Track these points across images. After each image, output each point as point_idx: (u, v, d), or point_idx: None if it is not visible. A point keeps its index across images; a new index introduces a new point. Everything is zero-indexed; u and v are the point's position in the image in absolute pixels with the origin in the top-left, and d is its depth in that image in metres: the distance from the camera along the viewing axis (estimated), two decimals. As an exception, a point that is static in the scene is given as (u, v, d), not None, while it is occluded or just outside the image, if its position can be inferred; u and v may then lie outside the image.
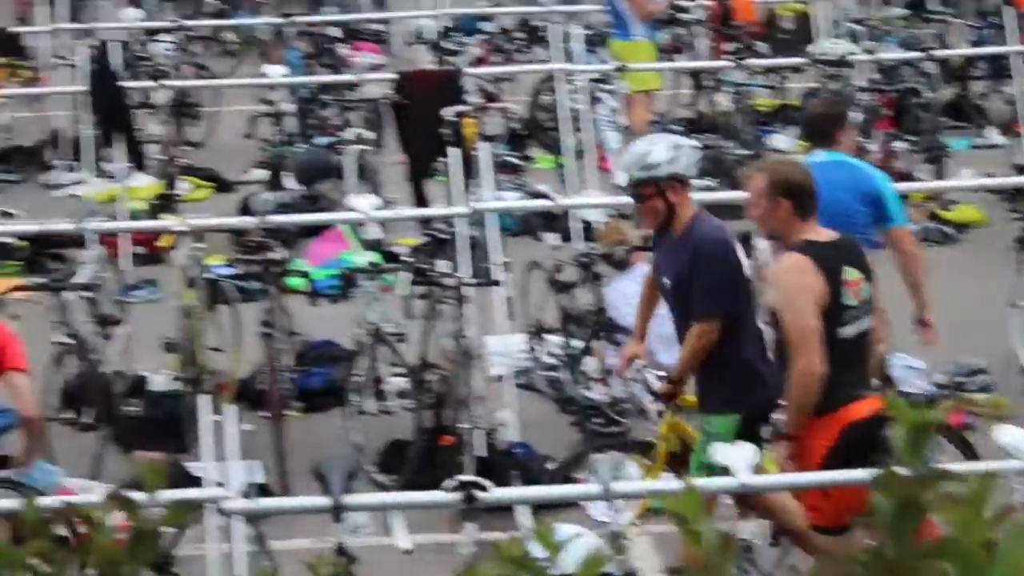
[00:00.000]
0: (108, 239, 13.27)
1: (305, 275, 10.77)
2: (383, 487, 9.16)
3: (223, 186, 16.11)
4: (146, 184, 16.08)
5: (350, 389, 9.95)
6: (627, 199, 8.21)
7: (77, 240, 11.36)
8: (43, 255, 12.52)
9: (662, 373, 7.79)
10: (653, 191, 7.56)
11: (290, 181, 14.96)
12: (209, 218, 12.35)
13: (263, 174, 15.55)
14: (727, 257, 7.59)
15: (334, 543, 6.60)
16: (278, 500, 7.24)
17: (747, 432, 7.17)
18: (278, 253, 10.61)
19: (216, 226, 12.27)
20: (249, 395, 10.48)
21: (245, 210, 13.69)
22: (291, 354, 10.66)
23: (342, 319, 10.95)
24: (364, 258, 10.82)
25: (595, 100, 14.63)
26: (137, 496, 2.21)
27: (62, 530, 2.27)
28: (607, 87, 14.77)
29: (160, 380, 10.85)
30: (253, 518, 6.54)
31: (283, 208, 13.64)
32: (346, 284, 10.28)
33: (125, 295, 11.73)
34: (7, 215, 15.11)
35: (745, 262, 7.76)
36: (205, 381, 10.07)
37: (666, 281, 7.66)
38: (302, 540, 7.77)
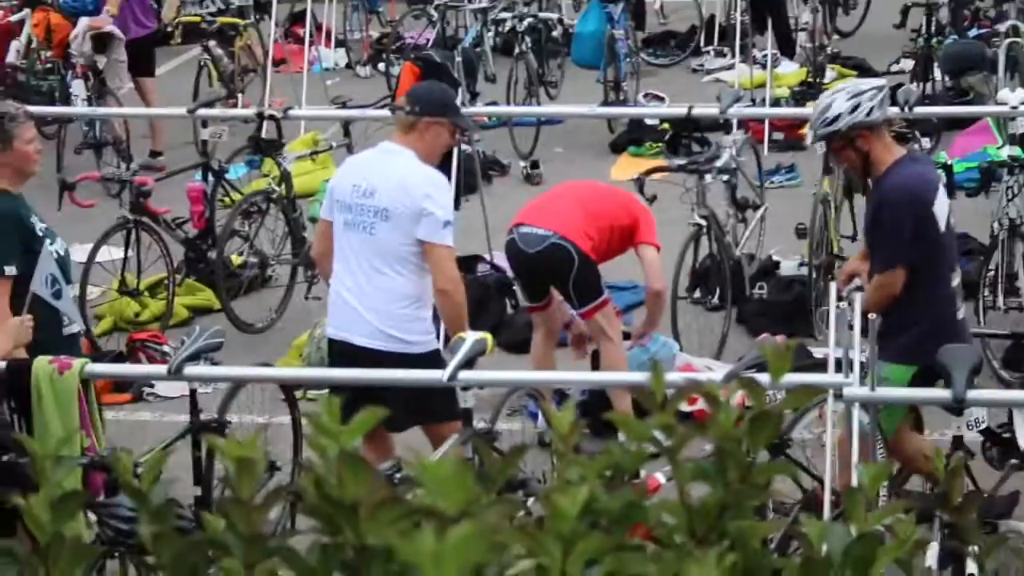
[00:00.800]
0: (751, 124, 13.49)
1: (946, 167, 10.60)
2: (1007, 383, 9.00)
3: (868, 75, 16.00)
4: (793, 71, 16.21)
5: (982, 284, 9.79)
6: None
7: (720, 124, 11.61)
8: (686, 138, 12.83)
9: None
10: (841, 144, 7.24)
11: (938, 72, 14.74)
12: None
13: (911, 64, 15.39)
14: (910, 205, 7.07)
15: (951, 436, 6.60)
16: (897, 390, 7.22)
17: (922, 386, 6.71)
18: (920, 144, 10.50)
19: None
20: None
21: (891, 100, 13.56)
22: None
23: (979, 214, 10.76)
24: (1007, 152, 10.56)
25: None
26: (761, 378, 2.31)
27: (683, 405, 2.39)
28: None
29: (790, 265, 11.02)
30: (873, 405, 6.57)
31: (929, 99, 13.46)
32: (986, 178, 10.06)
33: (763, 179, 11.90)
34: (656, 98, 15.61)
35: (942, 212, 7.18)
36: (834, 267, 10.14)
37: None
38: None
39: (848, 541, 2.16)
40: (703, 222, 9.93)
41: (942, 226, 7.24)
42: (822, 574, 2.14)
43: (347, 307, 7.25)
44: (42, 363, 6.53)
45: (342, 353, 7.28)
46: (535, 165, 14.27)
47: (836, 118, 7.26)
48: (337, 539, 2.13)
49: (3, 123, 7.08)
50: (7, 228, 6.97)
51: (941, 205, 7.29)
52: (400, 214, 7.16)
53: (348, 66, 18.08)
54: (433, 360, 6.94)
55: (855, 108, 7.23)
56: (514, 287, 9.88)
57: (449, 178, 10.35)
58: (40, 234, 7.05)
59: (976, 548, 2.46)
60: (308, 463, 2.21)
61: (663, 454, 2.28)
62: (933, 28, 15.21)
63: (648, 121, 14.77)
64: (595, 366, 8.78)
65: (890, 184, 7.20)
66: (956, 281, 7.33)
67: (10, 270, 6.90)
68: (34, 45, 14.62)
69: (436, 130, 7.31)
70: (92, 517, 5.87)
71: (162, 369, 6.74)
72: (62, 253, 7.17)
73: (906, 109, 10.26)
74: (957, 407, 6.26)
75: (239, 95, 15.20)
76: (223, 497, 2.24)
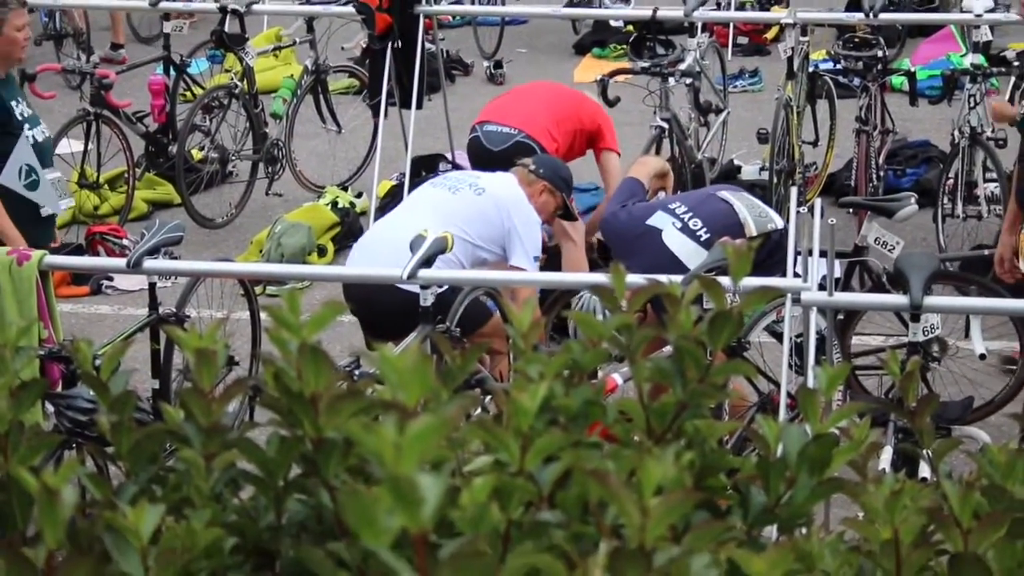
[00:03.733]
0: (716, 28, 13.45)
1: (908, 74, 10.61)
2: (963, 292, 9.05)
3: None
4: (758, -25, 16.14)
5: (941, 191, 9.82)
6: None
7: (685, 27, 11.57)
8: (650, 40, 12.79)
9: None
10: None
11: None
12: (817, 11, 12.33)
13: (876, -30, 15.35)
14: None
15: (906, 342, 6.64)
16: (854, 295, 7.25)
17: None
18: (883, 51, 10.49)
19: (823, 19, 12.25)
20: (837, 189, 10.51)
21: (855, 6, 13.54)
22: (883, 152, 10.58)
23: (941, 121, 10.78)
24: (970, 60, 10.56)
25: None
26: (722, 280, 2.32)
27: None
28: None
29: (751, 169, 11.04)
30: (829, 310, 6.60)
31: (894, 6, 13.44)
32: (949, 86, 10.07)
33: (727, 84, 11.87)
34: (622, 0, 15.53)
35: None
36: (796, 173, 10.16)
37: None
38: (874, 338, 7.80)
39: (804, 442, 2.18)
40: (665, 125, 9.91)
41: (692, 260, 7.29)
42: (778, 474, 2.16)
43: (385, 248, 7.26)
44: (0, 253, 6.51)
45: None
46: (498, 65, 14.21)
47: None
48: (296, 432, 2.14)
49: None
50: None
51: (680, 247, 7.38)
52: (493, 204, 7.42)
53: (312, -39, 17.90)
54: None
55: None
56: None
57: (412, 77, 10.36)
58: (20, 118, 7.01)
59: (929, 452, 2.48)
60: (268, 356, 2.21)
61: (622, 353, 2.30)
62: (900, -66, 15.17)
63: (612, 23, 14.71)
64: (555, 266, 8.79)
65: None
66: (749, 225, 7.42)
67: None
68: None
69: (548, 198, 7.74)
70: (50, 408, 5.87)
71: (121, 262, 6.72)
72: (40, 139, 7.13)
73: (871, 15, 10.25)
74: (914, 313, 6.29)
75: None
76: (182, 388, 2.25)
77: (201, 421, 2.21)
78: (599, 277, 6.48)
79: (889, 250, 7.68)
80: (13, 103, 7.02)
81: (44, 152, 7.12)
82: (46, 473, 1.76)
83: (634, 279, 2.42)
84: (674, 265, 7.04)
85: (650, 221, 7.39)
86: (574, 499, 1.94)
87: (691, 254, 7.23)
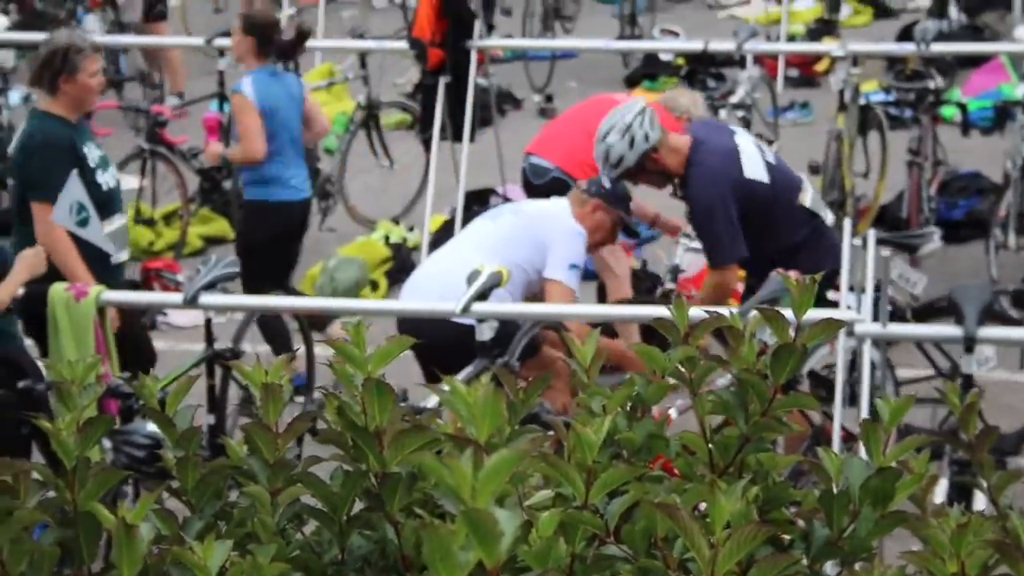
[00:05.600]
0: (766, 60, 13.45)
1: (960, 106, 10.59)
2: (1016, 323, 9.00)
3: (885, 12, 15.96)
4: (808, 7, 16.15)
5: (993, 222, 9.78)
6: None
7: (736, 60, 11.57)
8: (701, 73, 12.79)
9: None
10: (636, 173, 7.45)
11: (955, 10, 14.68)
12: (868, 44, 12.31)
13: (928, 2, 15.32)
14: (725, 190, 7.24)
15: (961, 373, 6.60)
16: (909, 327, 7.23)
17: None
18: (935, 82, 10.47)
19: (875, 52, 12.22)
20: (890, 221, 10.48)
21: (906, 36, 13.53)
22: (935, 183, 10.55)
23: (993, 152, 10.74)
24: (1022, 91, 10.54)
25: None
26: (784, 312, 2.32)
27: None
28: None
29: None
30: (882, 342, 6.58)
31: (945, 37, 13.41)
32: (1001, 117, 10.05)
33: (777, 116, 11.87)
34: (672, 33, 15.56)
35: (756, 164, 7.33)
36: (847, 204, 10.14)
37: None
38: (925, 370, 7.77)
39: (867, 474, 2.18)
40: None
41: (765, 177, 7.31)
42: (841, 507, 2.16)
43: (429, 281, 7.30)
44: (58, 289, 6.56)
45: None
46: (549, 99, 14.24)
47: (621, 159, 7.40)
48: (359, 466, 2.16)
49: (70, 53, 7.11)
50: (60, 156, 6.99)
51: (751, 160, 7.35)
52: (530, 222, 7.41)
53: (364, -2, 18.01)
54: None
55: (632, 142, 7.36)
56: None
57: (464, 112, 10.40)
58: (92, 165, 7.07)
59: (987, 483, 2.47)
60: (330, 390, 2.23)
61: (684, 387, 2.30)
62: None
63: (663, 56, 14.73)
64: (601, 301, 8.78)
65: (694, 180, 7.29)
66: (807, 195, 7.42)
67: None
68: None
69: (603, 216, 7.57)
70: (107, 444, 5.90)
71: (178, 298, 6.77)
72: (113, 184, 7.18)
73: (922, 46, 10.23)
74: (968, 344, 6.27)
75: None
76: (249, 423, 2.26)
77: (267, 456, 2.22)
78: (660, 310, 6.47)
79: (911, 287, 7.65)
80: (85, 148, 7.08)
81: (114, 197, 7.19)
82: (123, 508, 1.77)
83: (696, 312, 2.42)
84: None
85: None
86: (640, 533, 1.95)
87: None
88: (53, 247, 6.76)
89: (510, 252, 7.26)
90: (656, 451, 2.23)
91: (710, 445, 2.23)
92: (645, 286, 8.86)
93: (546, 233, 7.39)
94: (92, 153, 7.11)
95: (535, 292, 7.37)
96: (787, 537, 2.19)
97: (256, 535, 2.22)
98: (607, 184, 7.66)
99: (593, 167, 8.62)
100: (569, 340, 2.39)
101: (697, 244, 7.93)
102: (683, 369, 2.29)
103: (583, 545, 2.00)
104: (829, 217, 7.47)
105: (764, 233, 7.19)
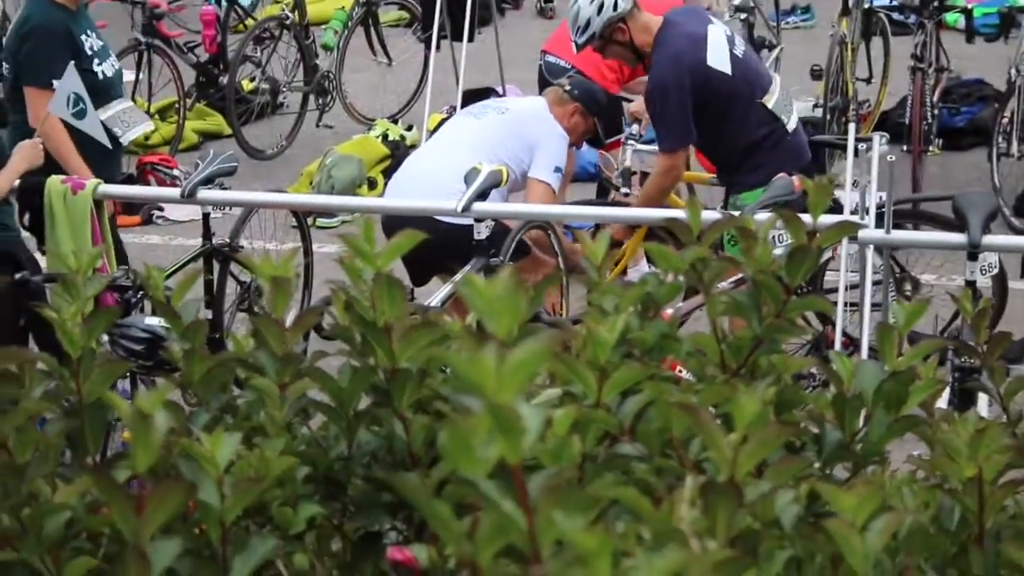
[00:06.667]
0: (769, -38, 13.32)
1: (965, 12, 10.50)
2: (1018, 231, 8.99)
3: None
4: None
5: (996, 130, 9.73)
6: None
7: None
8: (704, -26, 12.68)
9: None
10: (602, 43, 7.36)
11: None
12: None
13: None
14: (684, 75, 7.09)
15: (963, 280, 6.58)
16: (912, 233, 7.20)
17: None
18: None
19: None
20: (891, 127, 10.42)
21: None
22: (938, 90, 10.49)
23: (997, 59, 10.67)
24: (1027, -2, 10.46)
25: None
26: (802, 216, 2.29)
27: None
28: None
29: (805, 106, 10.94)
30: (885, 248, 6.55)
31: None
32: (1005, 24, 9.97)
33: (780, 19, 11.77)
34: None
35: (721, 53, 7.18)
36: (849, 109, 10.08)
37: None
38: (929, 275, 7.75)
39: (881, 378, 2.16)
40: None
41: (727, 68, 7.19)
42: (854, 411, 2.14)
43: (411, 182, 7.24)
44: (55, 182, 6.51)
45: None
46: (549, -1, 14.14)
47: (588, 24, 7.32)
48: (367, 361, 2.13)
49: None
50: (55, 42, 6.91)
51: (716, 49, 7.21)
52: (517, 120, 7.40)
53: None
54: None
55: (600, 8, 7.27)
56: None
57: (464, 10, 10.31)
58: (89, 53, 6.99)
59: (998, 390, 2.45)
60: (339, 285, 2.20)
61: (696, 286, 2.27)
62: None
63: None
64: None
65: (656, 58, 7.20)
66: (771, 97, 7.29)
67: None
68: None
69: (579, 121, 7.66)
70: (103, 337, 5.88)
71: (176, 192, 6.71)
72: (110, 73, 7.10)
73: (928, -49, 10.14)
74: (972, 251, 6.23)
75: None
76: (257, 316, 2.23)
77: (275, 349, 2.20)
78: (675, 212, 6.43)
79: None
80: (83, 36, 7.00)
81: (112, 84, 7.11)
82: (139, 397, 1.75)
83: (709, 215, 2.39)
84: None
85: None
86: (655, 433, 1.92)
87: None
88: (46, 136, 6.69)
89: (496, 150, 7.21)
90: (667, 352, 2.21)
91: (722, 346, 2.20)
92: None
93: (533, 133, 7.36)
94: (90, 42, 7.03)
95: (516, 191, 7.34)
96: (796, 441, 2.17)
97: (262, 429, 2.19)
98: (593, 91, 7.66)
99: (610, 67, 8.56)
100: (581, 237, 2.36)
101: (642, 145, 7.94)
102: (696, 269, 2.26)
103: (593, 444, 1.98)
104: (792, 122, 7.39)
105: (722, 125, 7.15)
